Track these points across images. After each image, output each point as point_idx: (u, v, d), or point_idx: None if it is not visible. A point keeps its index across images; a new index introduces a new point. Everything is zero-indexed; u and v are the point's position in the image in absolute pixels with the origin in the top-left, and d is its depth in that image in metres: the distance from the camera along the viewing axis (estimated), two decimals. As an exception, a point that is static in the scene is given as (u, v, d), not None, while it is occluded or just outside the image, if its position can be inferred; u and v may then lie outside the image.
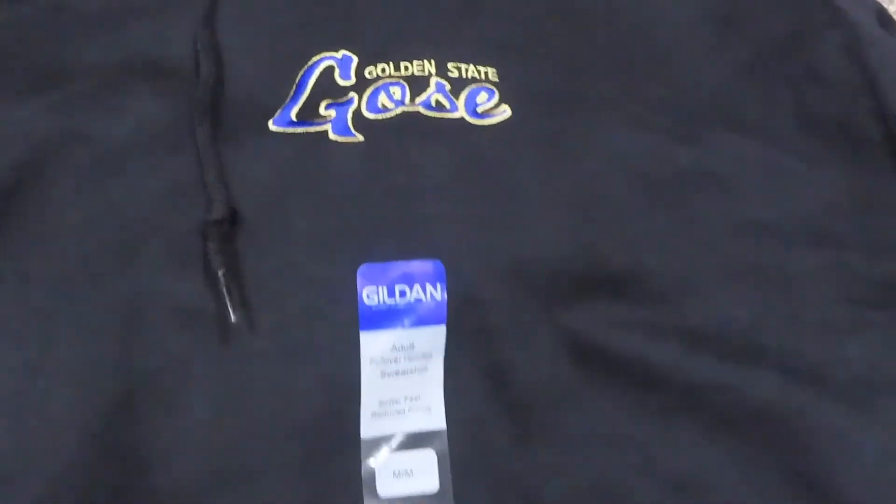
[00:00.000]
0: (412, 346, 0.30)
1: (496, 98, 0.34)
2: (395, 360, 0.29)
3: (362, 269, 0.30)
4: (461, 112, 0.34)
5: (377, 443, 0.29)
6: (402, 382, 0.29)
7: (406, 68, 0.34)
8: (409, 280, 0.30)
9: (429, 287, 0.30)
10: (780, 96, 0.36)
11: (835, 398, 0.29)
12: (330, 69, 0.34)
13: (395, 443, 0.29)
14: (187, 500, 0.27)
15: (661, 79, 0.36)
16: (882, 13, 0.40)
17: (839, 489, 0.28)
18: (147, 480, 0.27)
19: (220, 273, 0.29)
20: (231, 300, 0.28)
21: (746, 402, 0.29)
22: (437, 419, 0.29)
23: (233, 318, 0.28)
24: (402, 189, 0.31)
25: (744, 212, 0.33)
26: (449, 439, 0.29)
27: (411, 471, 0.29)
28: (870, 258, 0.32)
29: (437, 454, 0.29)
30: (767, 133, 0.35)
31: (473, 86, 0.34)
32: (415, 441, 0.29)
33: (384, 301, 0.29)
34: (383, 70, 0.34)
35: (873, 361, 0.30)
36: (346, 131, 0.33)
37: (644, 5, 0.37)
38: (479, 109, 0.34)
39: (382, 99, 0.34)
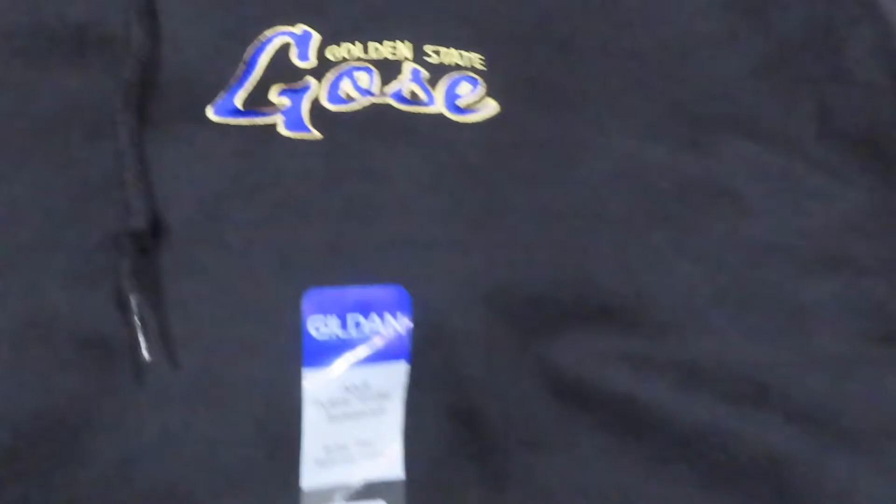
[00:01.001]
0: (367, 386, 0.26)
1: (481, 90, 0.31)
2: (346, 402, 0.26)
3: (309, 295, 0.26)
4: (439, 106, 0.30)
5: (321, 494, 0.26)
6: (354, 426, 0.26)
7: (376, 50, 0.30)
8: (366, 308, 0.26)
9: (388, 317, 0.26)
10: (802, 99, 0.33)
11: (845, 446, 0.27)
12: (285, 47, 0.30)
13: (342, 494, 0.26)
14: None
15: (670, 74, 0.33)
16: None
17: None
18: None
19: (134, 299, 0.25)
20: (145, 333, 0.25)
21: (747, 449, 0.27)
22: (393, 468, 0.26)
23: (146, 356, 0.24)
24: (365, 201, 0.28)
25: (755, 231, 0.30)
26: (407, 490, 0.26)
27: (360, 526, 0.26)
28: (893, 286, 0.30)
29: (392, 509, 0.26)
30: (786, 140, 0.32)
31: (455, 74, 0.31)
32: (366, 492, 0.26)
33: (335, 333, 0.26)
34: (349, 51, 0.30)
35: (891, 404, 0.28)
36: (301, 126, 0.29)
37: None
38: (461, 103, 0.30)
39: (346, 87, 0.30)
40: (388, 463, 0.26)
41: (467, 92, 0.30)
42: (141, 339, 0.25)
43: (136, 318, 0.25)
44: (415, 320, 0.27)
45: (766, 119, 0.32)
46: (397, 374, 0.26)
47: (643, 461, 0.27)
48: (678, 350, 0.28)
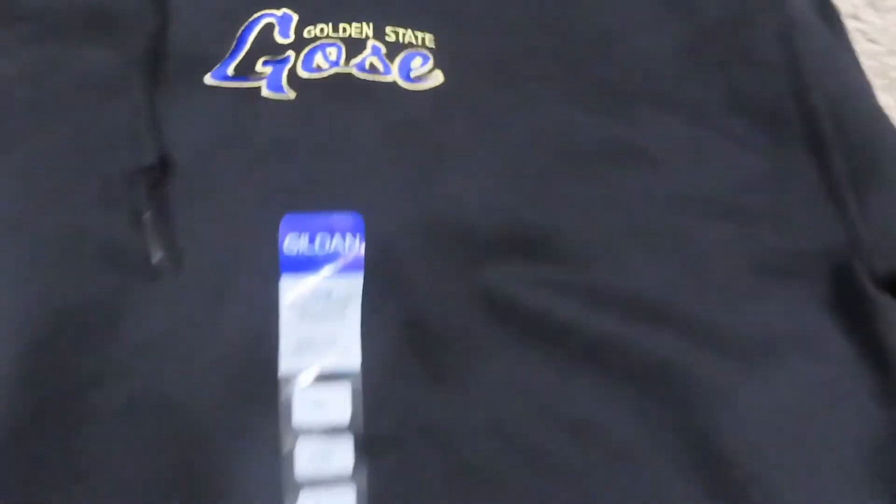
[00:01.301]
0: (330, 293, 0.31)
1: (430, 64, 0.35)
2: (314, 305, 0.31)
3: (285, 219, 0.31)
4: (394, 76, 0.35)
5: (294, 377, 0.30)
6: (320, 325, 0.30)
7: (344, 30, 0.35)
8: (330, 230, 0.31)
9: (348, 238, 0.31)
10: (714, 77, 0.36)
11: (727, 357, 0.30)
12: (270, 26, 0.35)
13: (311, 377, 0.30)
14: (117, 420, 0.29)
15: (603, 56, 0.36)
16: (825, 3, 0.40)
17: (723, 442, 0.29)
18: (75, 401, 0.29)
19: (146, 215, 0.30)
20: (155, 242, 0.30)
21: (642, 357, 0.30)
22: (352, 360, 0.30)
23: (154, 258, 0.29)
24: (329, 147, 0.32)
25: (664, 185, 0.34)
26: (362, 378, 0.30)
27: (325, 402, 0.30)
28: (778, 232, 0.33)
29: (351, 389, 0.30)
30: (697, 112, 0.35)
31: (409, 51, 0.35)
32: (330, 377, 0.30)
33: (304, 249, 0.31)
34: (322, 30, 0.35)
35: (769, 326, 0.31)
36: (280, 88, 0.34)
37: None
38: (413, 74, 0.35)
39: (318, 59, 0.34)
40: (348, 355, 0.30)
41: (419, 65, 0.35)
42: (152, 246, 0.30)
43: (148, 231, 0.30)
44: (368, 242, 0.31)
45: (681, 94, 0.36)
46: (355, 284, 0.31)
47: (558, 365, 0.30)
48: (590, 278, 0.31)
